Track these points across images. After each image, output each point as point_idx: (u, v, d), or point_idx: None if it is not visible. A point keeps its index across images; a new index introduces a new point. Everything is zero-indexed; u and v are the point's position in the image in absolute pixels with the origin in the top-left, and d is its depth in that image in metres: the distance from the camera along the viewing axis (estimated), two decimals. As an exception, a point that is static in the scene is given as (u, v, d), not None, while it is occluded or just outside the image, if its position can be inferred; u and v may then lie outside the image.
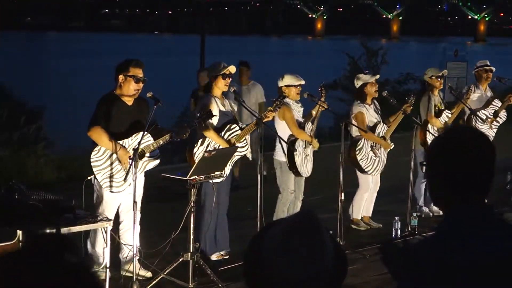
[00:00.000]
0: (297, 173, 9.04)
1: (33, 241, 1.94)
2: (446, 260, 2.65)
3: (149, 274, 7.72)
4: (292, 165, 8.98)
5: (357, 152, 9.58)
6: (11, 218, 6.76)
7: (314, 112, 9.23)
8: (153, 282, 7.46)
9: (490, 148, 2.78)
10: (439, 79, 10.44)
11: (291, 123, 8.96)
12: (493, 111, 11.05)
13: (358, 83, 9.88)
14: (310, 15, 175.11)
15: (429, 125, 10.18)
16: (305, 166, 9.07)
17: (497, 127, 11.15)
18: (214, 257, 8.43)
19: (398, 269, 2.95)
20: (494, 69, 11.24)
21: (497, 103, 11.12)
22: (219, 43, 54.30)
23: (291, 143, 8.88)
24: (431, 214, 10.48)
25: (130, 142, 7.47)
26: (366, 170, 9.71)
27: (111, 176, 7.55)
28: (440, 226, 2.86)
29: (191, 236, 7.58)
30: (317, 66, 30.48)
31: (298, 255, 2.07)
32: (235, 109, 8.61)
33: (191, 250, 7.54)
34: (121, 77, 7.56)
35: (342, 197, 9.07)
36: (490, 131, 10.95)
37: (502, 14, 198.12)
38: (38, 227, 6.58)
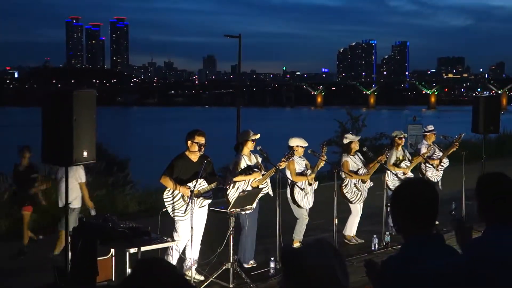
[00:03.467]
0: (298, 206, 9.09)
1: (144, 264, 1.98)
2: (404, 272, 2.66)
3: (202, 278, 7.70)
4: (293, 200, 9.05)
5: (343, 188, 9.64)
6: (107, 240, 6.81)
7: (317, 165, 9.28)
8: (205, 283, 7.45)
9: (433, 193, 2.83)
10: (400, 138, 10.50)
11: (292, 172, 9.04)
12: (437, 158, 11.02)
13: (345, 141, 9.99)
14: (312, 92, 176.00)
15: (389, 171, 10.17)
16: (306, 200, 9.11)
17: (442, 169, 11.05)
18: (246, 265, 8.41)
19: (374, 279, 2.95)
20: (436, 131, 11.20)
21: (439, 153, 11.08)
22: (249, 113, 54.52)
23: (292, 185, 8.98)
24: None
25: (191, 186, 7.53)
26: (351, 200, 9.77)
27: (177, 209, 7.63)
28: (400, 249, 2.90)
29: (231, 251, 7.58)
30: (318, 128, 30.45)
31: (332, 263, 2.16)
32: (260, 161, 8.64)
33: (231, 261, 7.53)
34: (189, 142, 7.73)
35: (336, 221, 9.02)
36: (438, 173, 10.91)
37: (446, 90, 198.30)
38: (125, 246, 6.62)
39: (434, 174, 10.87)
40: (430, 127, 11.28)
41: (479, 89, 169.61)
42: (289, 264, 2.21)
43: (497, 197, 3.04)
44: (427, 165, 10.87)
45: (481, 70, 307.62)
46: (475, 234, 10.14)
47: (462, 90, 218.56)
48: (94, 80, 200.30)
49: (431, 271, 2.63)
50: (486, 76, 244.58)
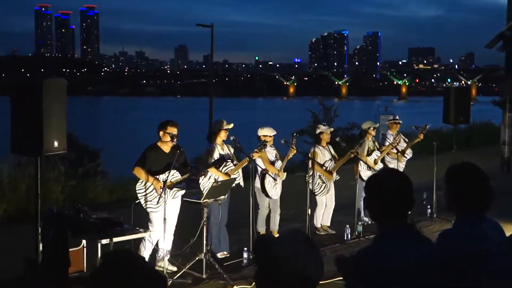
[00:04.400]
0: (267, 195, 9.08)
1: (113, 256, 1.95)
2: (377, 265, 2.66)
3: (175, 269, 7.67)
4: (263, 189, 9.03)
5: (308, 179, 9.60)
6: (78, 231, 6.74)
7: (287, 155, 9.27)
8: (178, 274, 7.42)
9: (407, 183, 2.84)
10: (373, 129, 10.52)
11: (265, 160, 9.02)
12: (401, 149, 11.01)
13: (317, 131, 9.97)
14: (285, 83, 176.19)
15: (361, 162, 10.21)
16: (274, 190, 9.10)
17: (405, 160, 11.07)
18: (219, 255, 8.40)
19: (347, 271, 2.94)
20: (401, 121, 11.22)
21: (403, 144, 11.09)
22: (221, 103, 54.36)
23: (263, 174, 8.96)
24: (370, 223, 10.46)
25: (164, 177, 7.47)
26: (315, 192, 9.74)
27: (150, 200, 7.57)
28: (373, 240, 2.89)
29: (204, 241, 7.55)
30: (291, 119, 30.54)
31: (306, 252, 2.16)
32: (232, 151, 8.62)
33: (204, 251, 7.50)
34: (161, 133, 7.65)
35: (309, 212, 9.05)
36: (400, 164, 10.85)
37: (417, 80, 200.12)
38: (97, 237, 6.56)
39: (396, 165, 10.86)
40: (395, 117, 11.30)
41: (449, 80, 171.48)
42: (262, 254, 2.20)
43: (466, 186, 3.04)
44: (391, 156, 10.88)
45: (451, 60, 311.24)
46: (444, 224, 10.23)
47: (433, 80, 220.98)
48: (64, 70, 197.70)
49: (404, 263, 2.63)
50: (456, 67, 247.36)
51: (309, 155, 9.74)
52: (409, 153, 11.11)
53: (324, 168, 9.76)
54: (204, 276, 7.42)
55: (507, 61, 15.26)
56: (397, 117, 11.24)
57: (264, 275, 2.18)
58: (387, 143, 10.79)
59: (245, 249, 8.16)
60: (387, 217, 2.82)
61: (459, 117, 11.22)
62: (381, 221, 2.86)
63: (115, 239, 6.56)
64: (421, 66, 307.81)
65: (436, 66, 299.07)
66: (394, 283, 2.60)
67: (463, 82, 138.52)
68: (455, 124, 11.72)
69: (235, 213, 8.97)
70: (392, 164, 10.79)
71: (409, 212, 2.93)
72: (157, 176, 7.54)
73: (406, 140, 11.23)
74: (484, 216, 3.04)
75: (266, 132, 9.09)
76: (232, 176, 8.31)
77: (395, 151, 10.78)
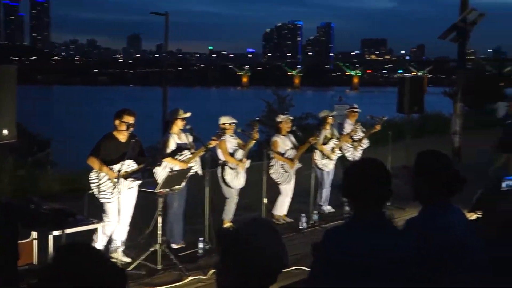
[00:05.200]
0: (229, 186, 9.01)
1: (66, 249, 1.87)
2: (345, 249, 2.63)
3: (129, 260, 7.53)
4: (224, 180, 8.96)
5: (270, 168, 9.60)
6: (28, 222, 6.53)
7: (248, 144, 9.21)
8: (132, 265, 7.27)
9: (384, 172, 2.81)
10: (331, 117, 10.55)
11: (224, 151, 8.92)
12: (358, 139, 11.12)
13: (277, 120, 9.96)
14: (238, 73, 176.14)
15: (318, 150, 10.24)
16: (237, 180, 9.03)
17: (361, 150, 11.16)
18: (174, 246, 8.29)
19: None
20: (360, 110, 11.32)
21: (361, 133, 11.18)
22: (175, 93, 53.87)
23: (223, 165, 8.89)
24: (326, 212, 10.56)
25: (119, 167, 7.30)
26: (277, 181, 9.75)
27: (104, 191, 7.39)
28: (347, 222, 2.87)
29: (159, 232, 7.44)
30: (245, 108, 30.50)
31: (270, 239, 2.13)
32: (191, 139, 8.49)
33: (159, 242, 7.39)
34: (117, 121, 7.47)
35: (265, 201, 9.02)
36: (356, 153, 10.97)
37: (369, 71, 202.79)
38: (48, 228, 6.38)
39: (353, 154, 10.96)
40: (354, 106, 11.41)
41: (400, 71, 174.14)
42: (227, 244, 2.13)
43: (436, 174, 3.03)
44: (348, 144, 10.96)
45: (402, 52, 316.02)
46: (398, 211, 10.29)
47: (384, 71, 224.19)
48: (12, 58, 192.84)
49: (373, 251, 2.60)
50: (408, 58, 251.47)
51: (271, 144, 9.74)
52: (365, 143, 11.20)
53: (285, 156, 9.76)
54: (159, 267, 7.31)
55: (459, 52, 15.50)
56: (356, 106, 11.34)
57: (230, 265, 2.11)
58: (344, 132, 10.87)
59: (201, 239, 8.08)
60: (361, 205, 2.80)
61: (413, 107, 11.36)
62: (357, 206, 2.83)
63: (67, 231, 6.41)
64: (373, 57, 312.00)
65: (388, 57, 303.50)
66: (357, 267, 2.57)
67: (414, 73, 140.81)
68: (409, 113, 11.86)
69: (192, 202, 8.87)
70: (349, 153, 10.87)
71: (387, 204, 2.92)
72: (112, 166, 7.37)
73: (364, 130, 11.32)
74: (450, 203, 3.05)
75: (225, 120, 9.03)
76: (189, 165, 8.19)
77: (356, 137, 10.92)
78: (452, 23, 14.84)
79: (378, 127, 11.14)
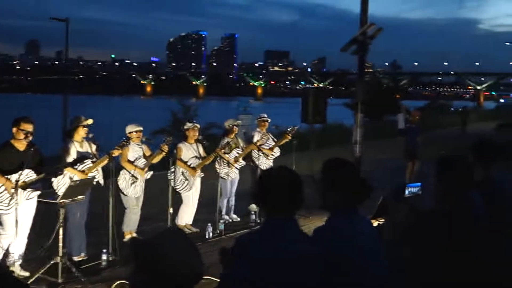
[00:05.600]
0: (123, 193, 8.83)
1: None
2: (255, 249, 2.63)
3: (27, 274, 7.20)
4: (118, 188, 8.79)
5: (170, 176, 9.47)
6: None
7: (155, 155, 9.06)
8: (31, 279, 6.95)
9: (297, 179, 2.83)
10: (235, 126, 10.60)
11: (123, 157, 8.78)
12: (268, 148, 11.25)
13: (184, 128, 9.90)
14: (142, 81, 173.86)
15: (223, 159, 10.26)
16: (133, 188, 8.84)
17: (272, 158, 11.29)
18: (76, 258, 8.02)
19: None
20: (269, 120, 11.49)
21: (271, 142, 11.33)
22: (77, 101, 52.41)
23: (119, 171, 8.72)
24: (231, 220, 10.56)
25: (17, 177, 6.98)
26: (176, 188, 9.64)
27: (0, 202, 7.04)
28: (258, 228, 2.86)
29: (60, 244, 7.17)
30: (150, 117, 30.12)
31: (186, 250, 2.10)
32: (94, 148, 8.25)
33: (60, 254, 7.12)
34: (15, 129, 7.16)
35: (171, 211, 8.91)
36: (268, 161, 11.12)
37: (272, 82, 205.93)
38: None
39: (264, 163, 11.07)
40: (264, 115, 11.54)
41: (302, 82, 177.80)
42: (141, 255, 2.07)
43: (344, 182, 3.08)
44: (259, 153, 11.08)
45: (304, 64, 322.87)
46: (303, 220, 10.46)
47: (287, 82, 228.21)
48: None
49: (283, 255, 2.61)
50: (309, 70, 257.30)
51: (175, 150, 9.66)
52: (276, 152, 11.34)
53: (188, 164, 9.68)
54: (60, 280, 7.04)
55: (359, 65, 15.97)
56: (265, 115, 11.46)
57: (144, 276, 2.05)
58: (255, 140, 10.97)
59: (104, 250, 7.86)
60: (273, 209, 2.80)
61: (316, 117, 11.60)
62: (269, 213, 2.83)
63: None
64: (276, 68, 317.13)
65: (290, 69, 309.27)
66: (269, 270, 2.57)
67: (316, 84, 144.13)
68: (312, 123, 12.11)
69: (94, 213, 8.61)
70: (260, 161, 10.96)
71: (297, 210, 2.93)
72: (9, 176, 7.04)
73: (275, 140, 11.46)
74: (357, 211, 3.11)
75: (132, 128, 8.87)
76: (90, 175, 7.96)
77: (266, 147, 11.03)
78: (352, 36, 15.28)
79: (288, 137, 11.33)
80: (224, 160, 10.30)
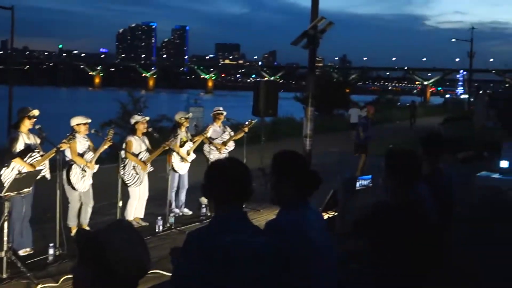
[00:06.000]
0: (73, 188, 8.66)
1: None
2: (204, 244, 2.60)
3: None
4: (68, 182, 8.60)
5: (120, 169, 9.33)
6: None
7: (100, 147, 8.89)
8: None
9: (243, 169, 2.80)
10: (186, 119, 10.51)
11: (72, 151, 8.58)
12: (221, 142, 11.23)
13: (132, 121, 9.74)
14: (90, 73, 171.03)
15: (175, 152, 10.15)
16: (82, 183, 8.70)
17: (226, 152, 11.27)
18: (21, 252, 7.83)
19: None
20: (225, 112, 11.46)
21: (225, 136, 11.30)
22: (22, 92, 51.17)
23: (69, 165, 8.54)
24: (182, 214, 10.50)
25: None
26: (127, 183, 9.52)
27: None
28: (208, 222, 2.82)
29: (5, 238, 6.99)
30: (98, 109, 29.66)
31: (133, 241, 2.07)
32: (39, 141, 8.06)
33: (4, 249, 6.94)
34: None
35: (120, 204, 8.79)
36: (221, 155, 11.07)
37: (223, 75, 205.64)
38: None
39: (216, 156, 11.02)
40: (219, 108, 11.49)
41: (253, 76, 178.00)
42: (88, 247, 2.02)
43: (295, 175, 3.08)
44: (211, 146, 11.04)
45: (255, 57, 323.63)
46: (254, 213, 10.49)
47: (238, 76, 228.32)
48: None
49: (236, 248, 2.59)
50: (260, 63, 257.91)
51: (125, 144, 9.50)
52: (230, 145, 11.31)
53: (139, 158, 9.55)
54: (4, 275, 6.88)
55: (309, 59, 16.07)
56: (221, 108, 11.41)
57: (88, 269, 2.00)
58: (208, 135, 10.92)
59: (51, 245, 7.70)
60: (221, 202, 2.76)
61: (268, 110, 11.62)
62: (218, 205, 2.80)
63: None
64: (227, 61, 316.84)
65: (241, 62, 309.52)
66: (222, 263, 2.55)
67: (266, 78, 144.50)
68: (264, 116, 12.13)
69: (40, 207, 8.43)
70: (211, 155, 10.91)
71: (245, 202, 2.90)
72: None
73: (232, 133, 11.43)
74: (308, 203, 3.12)
75: (79, 121, 8.69)
76: (38, 168, 7.78)
77: (219, 141, 10.98)
78: (303, 30, 15.36)
79: (245, 130, 11.31)
80: (176, 153, 10.19)
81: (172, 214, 9.76)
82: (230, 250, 2.56)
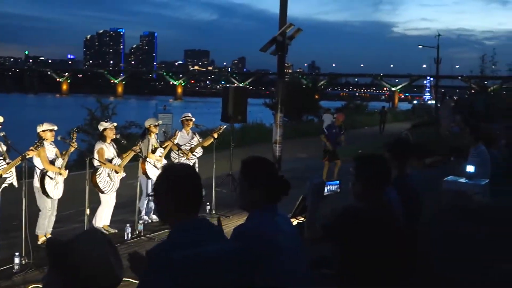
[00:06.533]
0: (48, 196, 8.55)
1: None
2: (170, 258, 2.55)
3: None
4: (43, 191, 8.48)
5: (97, 177, 9.26)
6: None
7: (67, 152, 8.79)
8: None
9: (196, 177, 2.76)
10: (155, 126, 10.45)
11: (43, 159, 8.46)
12: (189, 148, 11.21)
13: (100, 128, 9.64)
14: (58, 79, 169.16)
15: (148, 159, 10.08)
16: (56, 190, 8.59)
17: (194, 158, 11.24)
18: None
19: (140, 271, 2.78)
20: (194, 118, 11.43)
21: (193, 142, 11.27)
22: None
23: (43, 174, 8.41)
24: (151, 221, 10.41)
25: None
26: (103, 190, 9.43)
27: None
28: (167, 236, 2.75)
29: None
30: (66, 116, 29.33)
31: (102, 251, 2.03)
32: (5, 148, 7.92)
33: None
34: None
35: (88, 212, 8.68)
36: (189, 162, 11.04)
37: (193, 81, 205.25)
38: None
39: (185, 162, 10.99)
40: (188, 114, 11.45)
41: (222, 82, 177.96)
42: (58, 256, 1.98)
43: (265, 180, 3.07)
44: (179, 152, 10.99)
45: (224, 64, 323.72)
46: (229, 220, 10.42)
47: (207, 82, 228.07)
48: None
49: (202, 256, 2.56)
50: (229, 70, 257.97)
51: (96, 152, 9.41)
52: (198, 151, 11.27)
53: (113, 164, 9.47)
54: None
55: (278, 65, 16.12)
56: (189, 115, 11.38)
57: (59, 279, 1.96)
58: (176, 141, 10.86)
59: (17, 254, 7.56)
60: (178, 212, 2.70)
61: (237, 116, 11.62)
62: (173, 217, 2.74)
63: None
64: (196, 67, 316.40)
65: (210, 68, 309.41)
66: (190, 276, 2.51)
67: (236, 84, 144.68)
68: (233, 122, 12.12)
69: (6, 215, 8.28)
70: (180, 161, 10.85)
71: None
72: None
73: (200, 139, 11.39)
74: (276, 209, 3.11)
75: (45, 127, 8.56)
76: (4, 175, 7.64)
77: (187, 147, 10.91)
78: (272, 36, 15.41)
79: (215, 137, 11.30)
80: (151, 160, 10.11)
81: (141, 221, 9.68)
82: (193, 263, 2.51)
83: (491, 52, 31.24)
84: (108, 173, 9.45)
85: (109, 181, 9.45)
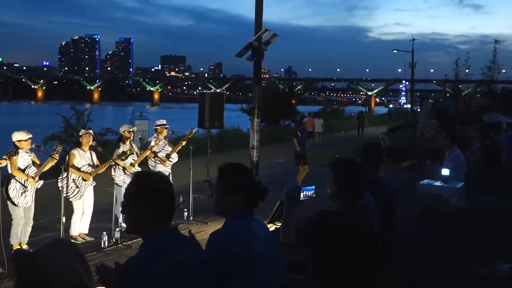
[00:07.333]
0: (13, 203, 8.42)
1: None
2: (146, 269, 2.52)
3: None
4: (8, 197, 8.36)
5: (59, 182, 9.11)
6: None
7: (45, 163, 8.68)
8: None
9: (169, 184, 2.74)
10: (130, 132, 10.38)
11: (13, 165, 8.35)
12: (165, 154, 11.16)
13: (78, 135, 9.58)
14: (33, 86, 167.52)
15: (119, 166, 9.98)
16: (23, 198, 8.46)
17: (170, 164, 11.20)
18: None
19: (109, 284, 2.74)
20: (168, 126, 11.37)
21: (169, 148, 11.22)
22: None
23: (9, 179, 8.29)
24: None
25: None
26: (68, 197, 9.29)
27: None
28: (140, 246, 2.69)
29: None
30: (41, 123, 29.04)
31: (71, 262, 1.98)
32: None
33: None
34: None
35: (64, 220, 8.59)
36: (166, 168, 11.01)
37: (169, 87, 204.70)
38: None
39: (162, 169, 10.93)
40: (162, 121, 11.40)
41: (199, 88, 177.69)
42: (25, 268, 1.96)
43: (240, 185, 3.08)
44: (156, 160, 10.94)
45: (201, 69, 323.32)
46: (201, 226, 10.39)
47: (184, 88, 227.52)
48: None
49: (176, 265, 2.54)
50: (206, 75, 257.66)
51: (67, 156, 9.30)
52: (174, 157, 11.22)
53: (81, 171, 9.34)
54: None
55: (255, 70, 16.17)
56: (164, 122, 11.32)
57: None
58: (152, 144, 10.81)
59: (-9, 263, 7.45)
60: (152, 221, 2.66)
61: (214, 122, 11.61)
62: (146, 227, 2.67)
63: None
64: (173, 73, 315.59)
65: (187, 74, 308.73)
66: (167, 286, 2.49)
67: (213, 89, 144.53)
68: (209, 128, 12.11)
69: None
70: (158, 168, 10.80)
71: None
72: None
73: (171, 145, 11.34)
74: (253, 214, 3.12)
75: (20, 137, 8.44)
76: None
77: (163, 154, 10.85)
78: (248, 42, 15.45)
79: (185, 141, 11.24)
80: (120, 167, 10.04)
81: (118, 229, 9.59)
82: (170, 273, 2.48)
83: (464, 56, 31.61)
84: (74, 180, 9.31)
85: (73, 188, 9.32)
